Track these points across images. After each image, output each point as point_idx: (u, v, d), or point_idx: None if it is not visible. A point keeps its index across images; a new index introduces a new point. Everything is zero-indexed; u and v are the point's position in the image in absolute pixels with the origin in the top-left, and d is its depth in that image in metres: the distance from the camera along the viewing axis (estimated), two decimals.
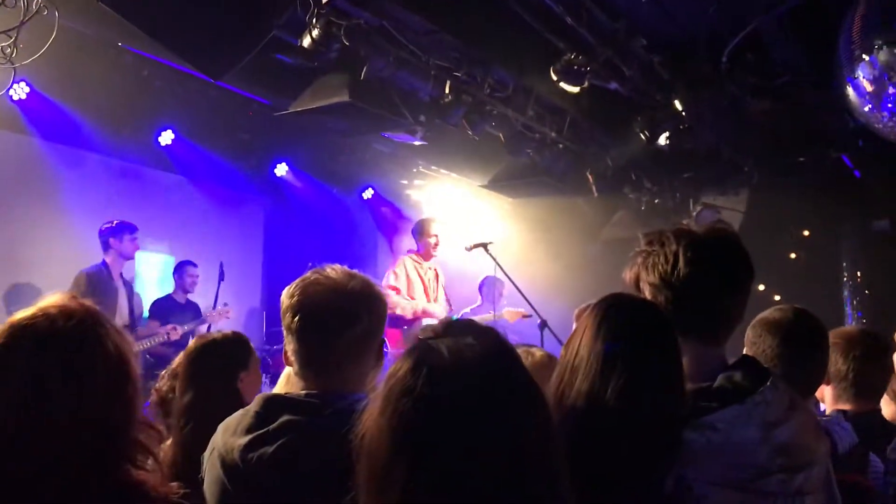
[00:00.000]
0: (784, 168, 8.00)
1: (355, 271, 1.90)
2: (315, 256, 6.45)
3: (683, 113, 6.04)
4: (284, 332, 1.85)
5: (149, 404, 3.17)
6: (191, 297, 7.02)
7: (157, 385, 3.02)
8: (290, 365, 1.87)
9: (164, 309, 6.76)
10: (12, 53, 3.59)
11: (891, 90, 4.84)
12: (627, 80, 5.91)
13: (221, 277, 7.09)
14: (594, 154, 7.64)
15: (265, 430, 1.71)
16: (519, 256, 8.99)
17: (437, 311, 6.60)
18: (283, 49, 5.20)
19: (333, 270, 1.86)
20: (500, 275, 6.45)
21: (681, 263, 1.68)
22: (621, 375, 1.55)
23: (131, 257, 6.56)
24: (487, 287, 7.74)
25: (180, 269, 6.98)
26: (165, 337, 6.42)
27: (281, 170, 8.39)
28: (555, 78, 5.53)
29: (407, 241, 9.64)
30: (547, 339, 5.78)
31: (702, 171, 8.27)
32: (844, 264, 8.97)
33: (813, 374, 2.29)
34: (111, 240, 6.41)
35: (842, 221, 8.90)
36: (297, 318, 1.79)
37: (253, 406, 1.79)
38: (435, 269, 6.95)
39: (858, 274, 8.90)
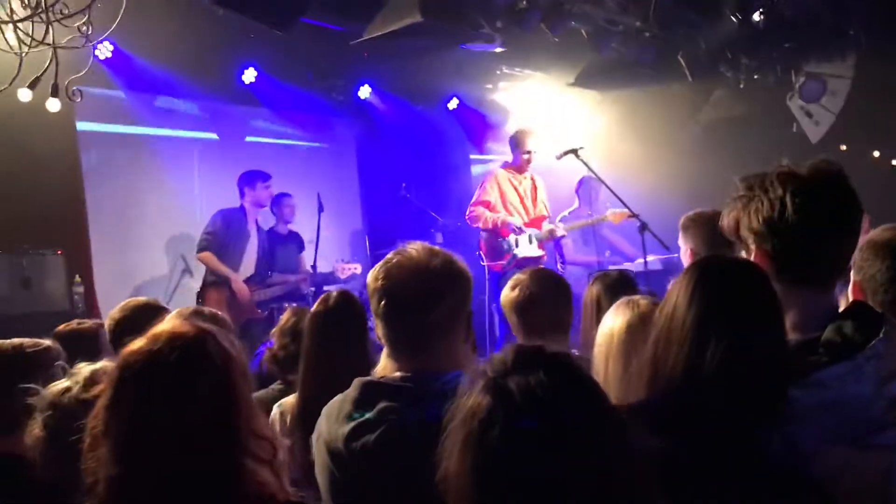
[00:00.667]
0: (894, 26, 7.40)
1: (437, 248, 1.91)
2: (409, 174, 6.52)
3: None
4: (373, 316, 1.89)
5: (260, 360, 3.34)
6: (291, 227, 7.19)
7: (269, 346, 3.17)
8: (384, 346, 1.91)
9: (269, 241, 6.97)
10: (88, 30, 3.64)
11: None
12: None
13: (321, 208, 7.20)
14: (684, 38, 7.25)
15: (365, 418, 1.75)
16: (613, 152, 8.76)
17: (516, 222, 6.56)
18: None
19: (415, 250, 1.87)
20: (594, 175, 6.33)
21: (789, 209, 1.60)
22: (719, 343, 1.50)
23: (265, 205, 6.81)
24: (584, 189, 7.61)
25: (278, 202, 7.11)
26: (296, 284, 6.70)
27: (364, 92, 8.35)
28: None
29: (498, 146, 9.58)
30: (648, 241, 5.67)
31: (802, 40, 7.74)
32: None
33: None
34: (245, 188, 6.69)
35: None
36: (382, 302, 1.82)
37: (351, 391, 1.84)
38: (532, 179, 6.87)
39: None
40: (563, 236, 6.78)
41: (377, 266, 1.88)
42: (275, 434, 1.81)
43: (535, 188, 6.84)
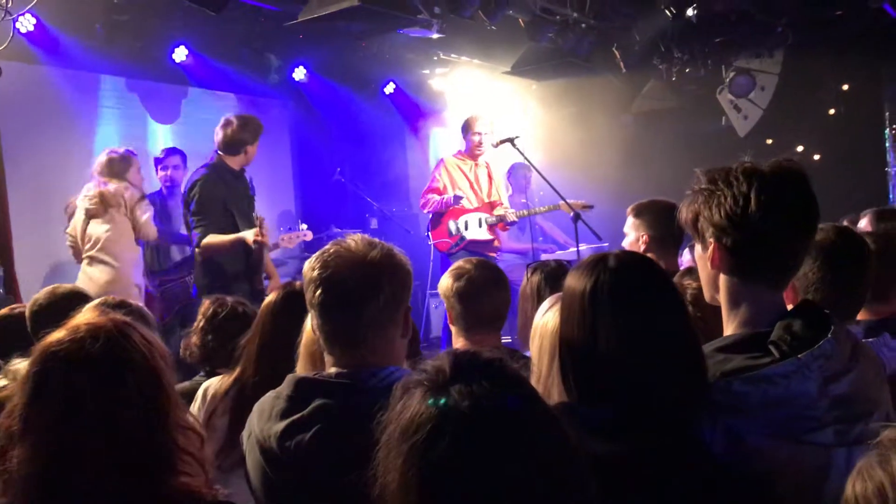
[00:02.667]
0: (820, 24, 7.64)
1: (377, 240, 1.87)
2: (342, 157, 6.40)
3: None
4: (308, 307, 1.84)
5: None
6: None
7: (189, 339, 3.05)
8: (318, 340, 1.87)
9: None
10: (8, 3, 3.47)
11: None
12: None
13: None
14: (619, 30, 7.34)
15: (299, 415, 1.72)
16: (548, 140, 8.86)
17: (465, 204, 6.59)
18: None
19: (354, 241, 1.82)
20: (530, 165, 6.36)
21: (752, 205, 1.60)
22: (620, 336, 1.56)
23: (179, 183, 6.49)
24: (514, 176, 7.68)
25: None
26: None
27: (299, 73, 8.22)
28: None
29: (435, 132, 9.57)
30: (582, 231, 5.74)
31: (733, 36, 7.92)
32: (887, 114, 8.73)
33: (857, 296, 2.23)
34: (159, 168, 6.53)
35: (882, 72, 8.59)
36: (318, 291, 1.77)
37: (284, 389, 1.79)
38: (487, 166, 6.87)
39: None
40: (513, 222, 6.80)
41: (314, 255, 1.82)
42: (200, 426, 1.76)
43: (489, 176, 6.86)
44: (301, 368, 2.09)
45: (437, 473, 1.10)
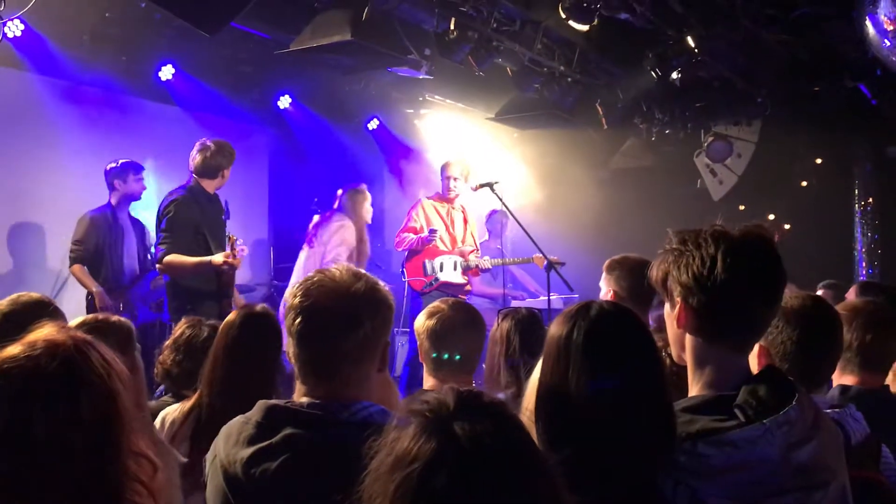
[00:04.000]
0: (798, 98, 7.86)
1: (362, 271, 1.87)
2: (321, 188, 6.39)
3: (696, 49, 5.85)
4: (286, 334, 1.84)
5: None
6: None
7: (160, 358, 3.01)
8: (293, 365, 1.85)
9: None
10: (1, 7, 3.45)
11: None
12: (639, 14, 5.71)
13: (227, 215, 7.04)
14: (604, 87, 7.48)
15: (268, 443, 1.69)
16: (526, 188, 8.93)
17: (439, 244, 6.61)
18: None
19: (339, 271, 1.83)
20: (507, 212, 6.40)
21: (718, 268, 1.62)
22: (596, 388, 1.58)
23: (138, 197, 6.42)
24: (491, 222, 7.74)
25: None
26: None
27: (284, 102, 8.25)
28: (563, 16, 5.34)
29: (414, 171, 9.61)
30: (554, 281, 5.77)
31: (714, 102, 8.11)
32: (857, 191, 8.93)
33: (831, 362, 2.27)
34: (116, 181, 6.29)
35: (855, 148, 8.82)
36: (298, 320, 1.77)
37: (254, 415, 1.78)
38: (463, 211, 6.93)
39: (870, 199, 8.88)
40: (487, 269, 6.86)
41: (298, 283, 1.83)
42: (154, 452, 1.72)
43: (465, 220, 6.91)
44: None
45: None
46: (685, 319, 1.69)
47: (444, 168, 6.80)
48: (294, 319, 1.78)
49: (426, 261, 6.64)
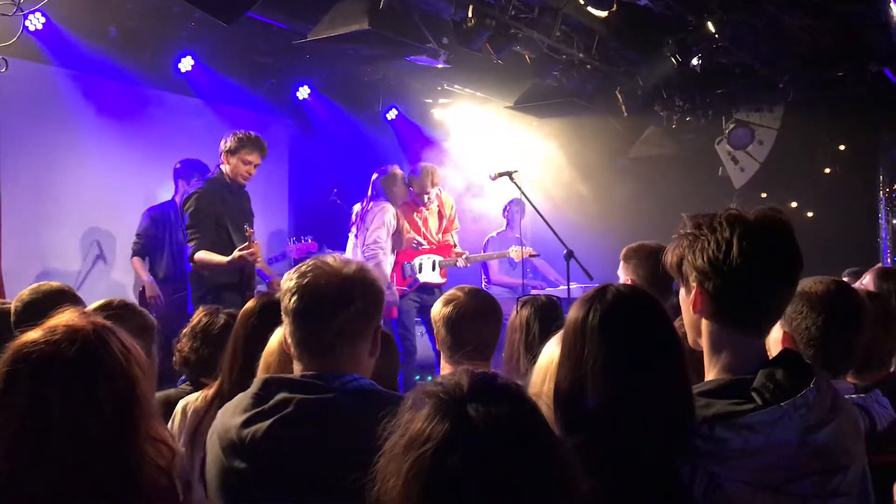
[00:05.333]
0: (821, 83, 7.76)
1: (353, 259, 1.95)
2: (340, 179, 6.38)
3: (716, 35, 5.78)
4: (283, 315, 1.92)
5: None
6: None
7: (178, 346, 3.03)
8: (288, 349, 1.94)
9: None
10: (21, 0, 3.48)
11: None
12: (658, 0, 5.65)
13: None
14: (624, 74, 7.41)
15: (261, 408, 1.76)
16: (545, 176, 8.90)
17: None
18: None
19: (333, 258, 1.93)
20: (526, 201, 6.38)
21: (734, 251, 1.61)
22: (613, 374, 1.59)
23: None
24: (509, 212, 7.72)
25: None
26: None
27: (303, 93, 8.25)
28: (582, 2, 5.30)
29: (432, 160, 9.57)
30: (573, 270, 5.74)
31: (735, 88, 8.03)
32: (881, 177, 8.83)
33: (852, 354, 2.23)
34: (180, 180, 6.52)
35: (879, 134, 8.70)
36: (293, 299, 1.86)
37: (252, 387, 1.85)
38: (440, 202, 6.89)
39: (895, 186, 8.79)
40: (465, 267, 6.92)
41: (294, 268, 1.93)
42: (174, 437, 1.74)
43: (439, 212, 6.92)
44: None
45: (443, 486, 1.11)
46: (701, 304, 1.68)
47: (416, 182, 6.75)
48: (290, 299, 1.88)
49: (405, 263, 6.70)
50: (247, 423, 1.75)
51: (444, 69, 7.24)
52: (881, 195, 8.76)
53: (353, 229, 6.72)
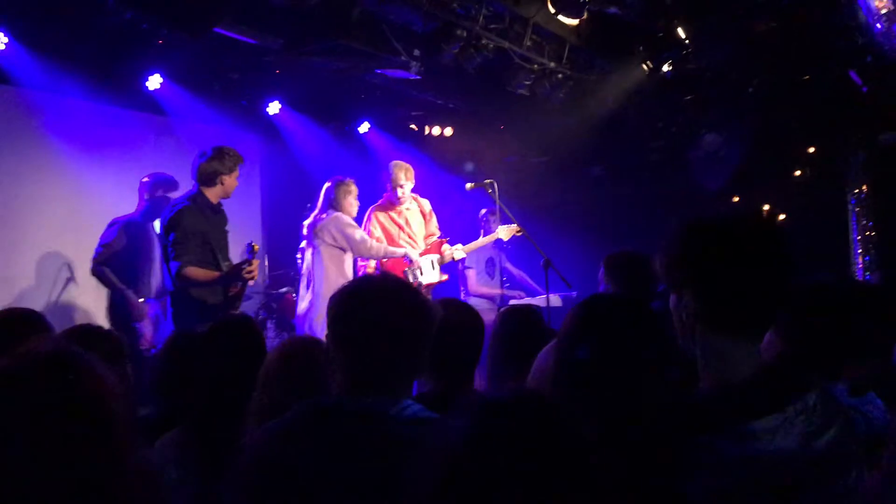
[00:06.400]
0: (789, 87, 7.83)
1: (409, 282, 1.91)
2: (315, 195, 6.23)
3: (686, 41, 5.82)
4: (329, 335, 1.87)
5: None
6: None
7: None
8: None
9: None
10: None
11: None
12: (628, 6, 5.68)
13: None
14: (595, 81, 7.44)
15: (305, 432, 1.76)
16: (519, 187, 8.89)
17: (399, 252, 6.40)
18: None
19: (386, 279, 1.93)
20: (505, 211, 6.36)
21: (721, 256, 1.59)
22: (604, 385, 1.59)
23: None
24: (486, 223, 7.68)
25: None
26: None
27: (273, 108, 8.19)
28: (552, 10, 5.30)
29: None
30: (552, 279, 5.72)
31: (706, 93, 8.08)
32: (850, 178, 8.92)
33: (848, 350, 2.17)
34: (146, 194, 6.27)
35: (848, 136, 8.79)
36: (344, 326, 1.83)
37: (299, 411, 1.82)
38: (418, 204, 6.79)
39: (864, 187, 8.87)
40: (463, 259, 6.77)
41: (346, 290, 1.88)
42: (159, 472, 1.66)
43: (421, 211, 6.79)
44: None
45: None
46: (691, 310, 1.65)
47: (389, 177, 6.56)
48: (342, 325, 1.84)
49: (405, 270, 6.51)
50: (290, 444, 1.77)
51: (415, 81, 7.22)
52: (850, 196, 8.85)
53: (304, 242, 6.50)
